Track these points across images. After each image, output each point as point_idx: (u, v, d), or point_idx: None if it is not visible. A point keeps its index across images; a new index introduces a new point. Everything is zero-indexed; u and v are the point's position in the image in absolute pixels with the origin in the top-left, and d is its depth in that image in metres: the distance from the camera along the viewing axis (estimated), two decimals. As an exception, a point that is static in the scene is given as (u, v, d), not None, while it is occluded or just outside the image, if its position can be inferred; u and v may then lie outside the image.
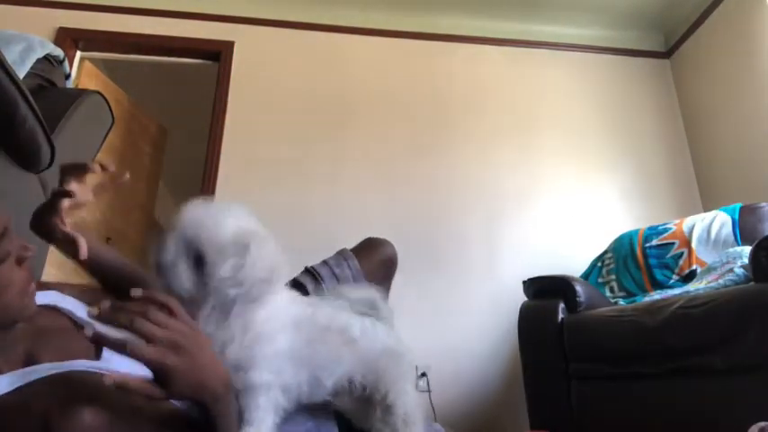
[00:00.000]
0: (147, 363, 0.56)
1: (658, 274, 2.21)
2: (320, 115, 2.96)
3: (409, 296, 2.44)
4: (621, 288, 2.31)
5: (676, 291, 1.94)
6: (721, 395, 1.43)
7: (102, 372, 0.62)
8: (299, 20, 3.12)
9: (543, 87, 3.20)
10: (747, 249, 1.65)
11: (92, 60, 3.01)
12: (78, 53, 2.95)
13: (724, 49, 2.94)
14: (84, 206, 0.81)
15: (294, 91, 2.99)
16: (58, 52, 1.48)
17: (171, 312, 0.61)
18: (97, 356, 0.71)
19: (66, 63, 1.55)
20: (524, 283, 2.10)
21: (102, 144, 1.55)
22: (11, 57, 1.27)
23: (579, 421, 1.77)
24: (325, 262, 1.31)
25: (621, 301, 2.17)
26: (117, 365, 0.68)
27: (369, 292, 0.98)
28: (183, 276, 0.69)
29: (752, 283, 1.50)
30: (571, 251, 2.78)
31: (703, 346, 1.47)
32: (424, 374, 2.45)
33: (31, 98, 1.06)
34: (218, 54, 3.02)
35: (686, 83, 3.25)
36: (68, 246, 0.80)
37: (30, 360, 0.65)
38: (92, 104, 1.44)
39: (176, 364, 0.58)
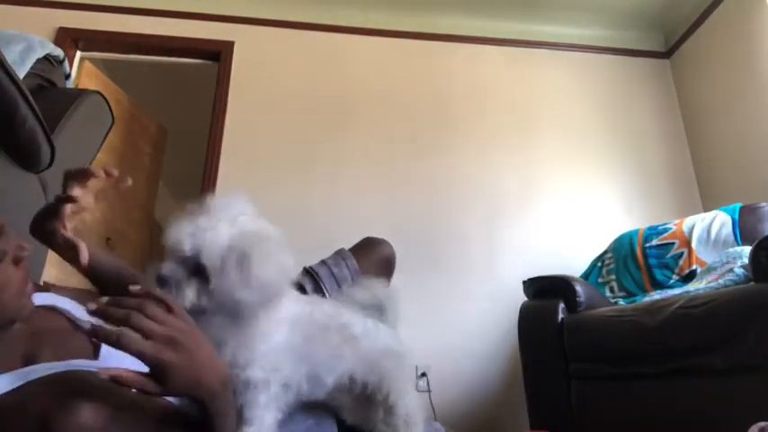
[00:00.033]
0: (143, 357, 0.56)
1: (658, 274, 2.21)
2: (320, 115, 2.96)
3: (409, 296, 2.43)
4: (621, 288, 2.31)
5: (676, 291, 1.94)
6: (721, 395, 1.43)
7: (99, 371, 0.62)
8: (299, 20, 3.12)
9: (543, 87, 3.20)
10: (747, 249, 1.65)
11: (92, 60, 3.01)
12: (78, 53, 2.95)
13: (724, 49, 2.94)
14: (85, 211, 0.81)
15: (294, 91, 2.99)
16: (58, 52, 1.49)
17: (168, 308, 0.60)
18: (95, 356, 0.71)
19: (66, 63, 1.55)
20: (524, 283, 2.10)
21: (102, 144, 1.56)
22: (11, 57, 1.27)
23: (579, 421, 1.77)
24: (323, 262, 1.31)
25: (621, 301, 2.17)
26: (115, 365, 0.68)
27: (377, 293, 0.97)
28: (185, 290, 0.67)
29: (752, 283, 1.50)
30: (571, 251, 2.78)
31: (703, 346, 1.47)
32: (424, 374, 2.45)
33: (31, 98, 1.06)
34: (218, 54, 3.02)
35: (686, 83, 3.25)
36: (69, 251, 0.80)
37: (28, 360, 0.65)
38: (92, 104, 1.44)
39: (173, 359, 0.57)
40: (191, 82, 3.57)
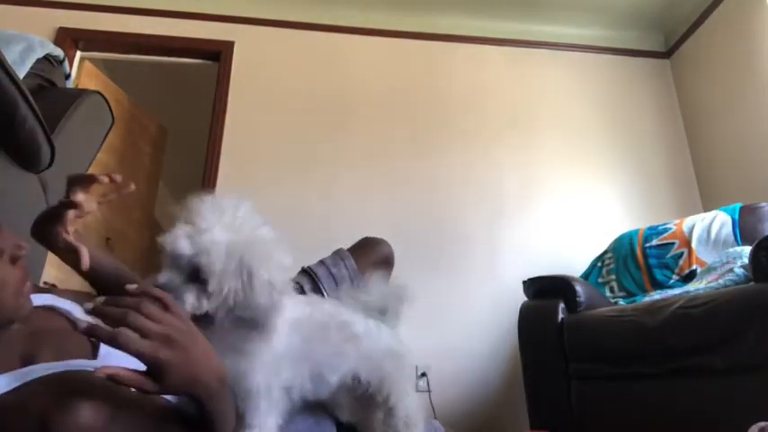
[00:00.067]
0: (140, 356, 0.56)
1: (658, 274, 2.21)
2: (320, 115, 2.96)
3: (409, 290, 2.44)
4: (621, 288, 2.31)
5: (676, 291, 1.94)
6: (721, 395, 1.43)
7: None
8: (299, 20, 3.12)
9: (543, 87, 3.20)
10: (747, 249, 1.65)
11: (92, 60, 3.01)
12: (78, 53, 2.95)
13: (724, 49, 2.94)
14: (87, 215, 0.82)
15: (294, 91, 2.99)
16: (58, 52, 1.48)
17: (165, 307, 0.60)
18: (94, 356, 0.71)
19: (66, 63, 1.55)
20: (524, 283, 2.10)
21: (102, 144, 1.56)
22: (11, 57, 1.27)
23: (579, 421, 1.77)
24: (321, 262, 1.31)
25: (621, 301, 2.17)
26: (114, 364, 0.68)
27: (383, 295, 0.97)
28: (184, 295, 0.67)
29: (752, 283, 1.50)
30: (571, 251, 2.78)
31: (703, 346, 1.47)
32: (424, 374, 2.45)
33: (31, 98, 1.06)
34: (218, 54, 3.02)
35: (686, 83, 3.25)
36: (70, 255, 0.80)
37: (27, 360, 0.65)
38: (92, 104, 1.44)
39: (170, 357, 0.57)
40: (191, 82, 3.57)
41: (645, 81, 3.31)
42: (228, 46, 3.02)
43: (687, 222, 2.27)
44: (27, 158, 1.14)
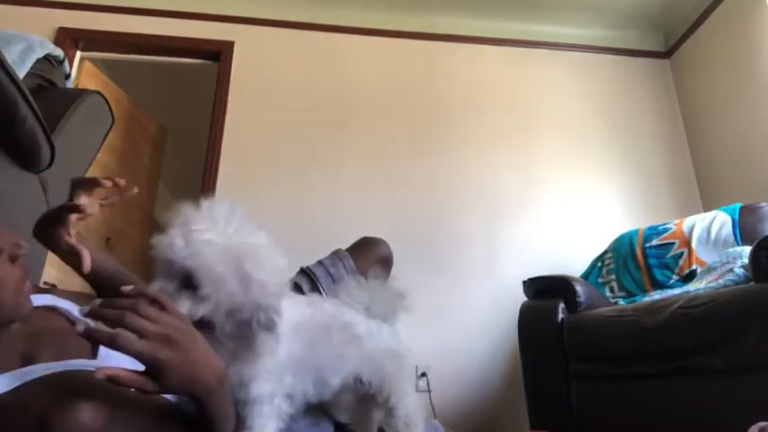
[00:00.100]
0: (139, 357, 0.56)
1: (658, 274, 2.21)
2: (320, 115, 2.96)
3: (410, 296, 2.44)
4: (621, 288, 2.31)
5: (676, 291, 1.94)
6: (721, 395, 1.43)
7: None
8: (299, 20, 3.12)
9: (543, 87, 3.20)
10: (747, 249, 1.65)
11: (92, 60, 3.01)
12: (78, 53, 2.95)
13: (724, 49, 2.94)
14: (89, 217, 0.82)
15: (294, 91, 2.99)
16: (58, 52, 1.48)
17: (162, 307, 0.60)
18: (94, 356, 0.71)
19: (66, 63, 1.55)
20: (524, 283, 2.10)
21: (102, 144, 1.55)
22: (11, 57, 1.27)
23: (579, 421, 1.77)
24: (320, 262, 1.31)
25: (621, 301, 2.17)
26: (114, 364, 0.68)
27: (380, 301, 0.96)
28: (178, 302, 0.66)
29: (752, 283, 1.50)
30: (571, 251, 2.78)
31: (703, 346, 1.47)
32: (424, 374, 2.45)
33: (31, 98, 1.06)
34: (218, 54, 3.02)
35: (686, 83, 3.25)
36: (72, 257, 0.80)
37: (27, 360, 0.65)
38: (92, 104, 1.44)
39: (169, 357, 0.57)
40: (191, 82, 3.57)
41: (645, 81, 3.31)
42: (228, 46, 3.02)
43: (687, 222, 2.26)
44: (27, 158, 1.14)
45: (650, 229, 2.38)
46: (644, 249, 2.30)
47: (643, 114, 3.22)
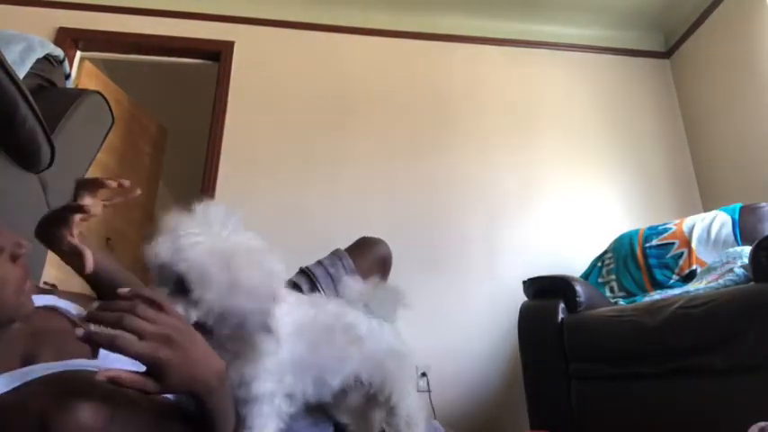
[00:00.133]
0: (140, 357, 0.56)
1: (658, 274, 2.21)
2: (320, 115, 2.96)
3: (409, 296, 2.44)
4: (621, 288, 2.31)
5: (676, 291, 1.94)
6: (721, 395, 1.43)
7: (98, 370, 0.62)
8: (299, 20, 3.12)
9: (543, 87, 3.20)
10: (747, 249, 1.65)
11: (92, 60, 3.01)
12: (78, 53, 2.95)
13: (724, 49, 2.94)
14: (92, 218, 0.82)
15: (294, 91, 2.99)
16: (58, 52, 1.48)
17: (160, 308, 0.60)
18: (94, 356, 0.71)
19: (66, 63, 1.55)
20: (524, 283, 2.10)
21: (102, 144, 1.55)
22: (11, 57, 1.27)
23: (579, 421, 1.77)
24: (319, 262, 1.31)
25: (621, 301, 2.17)
26: (114, 363, 0.68)
27: (378, 299, 0.96)
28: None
29: (752, 283, 1.50)
30: (571, 251, 2.78)
31: (703, 346, 1.47)
32: (424, 374, 2.45)
33: (31, 98, 1.06)
34: (218, 54, 3.02)
35: (686, 83, 3.25)
36: (74, 258, 0.81)
37: (27, 360, 0.65)
38: (92, 104, 1.44)
39: (169, 357, 0.57)
40: (191, 82, 3.57)
41: (645, 81, 3.31)
42: (228, 46, 3.02)
43: (687, 222, 2.27)
44: (27, 158, 1.14)
45: (650, 229, 2.38)
46: (644, 249, 2.30)
47: (643, 114, 3.22)
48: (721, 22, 2.97)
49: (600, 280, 2.41)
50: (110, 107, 1.53)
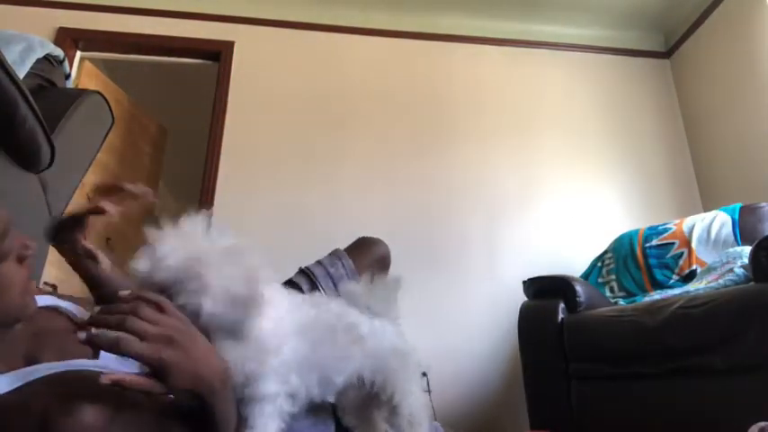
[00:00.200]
0: (142, 359, 0.56)
1: (658, 274, 2.21)
2: (320, 115, 2.96)
3: (409, 296, 2.44)
4: (621, 288, 2.31)
5: (676, 291, 1.94)
6: (721, 395, 1.43)
7: (100, 370, 0.62)
8: (299, 20, 3.12)
9: (543, 87, 3.20)
10: (747, 249, 1.65)
11: (92, 60, 3.01)
12: (78, 53, 2.95)
13: (724, 49, 2.94)
14: (107, 222, 0.83)
15: (294, 91, 2.99)
16: (58, 52, 1.48)
17: (161, 309, 0.61)
18: (96, 356, 0.71)
19: (66, 63, 1.54)
20: (524, 283, 2.10)
21: (102, 144, 1.55)
22: (11, 57, 1.27)
23: (579, 421, 1.77)
24: (319, 262, 1.31)
25: (621, 301, 2.17)
26: (116, 363, 0.68)
27: (378, 296, 0.96)
28: None
29: (752, 283, 1.50)
30: (571, 251, 2.78)
31: (703, 346, 1.47)
32: (424, 374, 2.44)
33: (31, 98, 1.06)
34: (218, 54, 3.02)
35: (686, 83, 3.25)
36: (89, 261, 0.81)
37: (30, 360, 0.65)
38: (92, 104, 1.44)
39: (171, 357, 0.58)
40: (191, 82, 3.57)
41: (645, 81, 3.31)
42: (228, 46, 3.02)
43: (687, 222, 2.27)
44: (27, 158, 1.14)
45: (650, 229, 2.38)
46: (644, 249, 2.30)
47: (643, 114, 3.22)
48: (721, 22, 2.97)
49: (600, 280, 2.41)
50: (110, 107, 1.53)
